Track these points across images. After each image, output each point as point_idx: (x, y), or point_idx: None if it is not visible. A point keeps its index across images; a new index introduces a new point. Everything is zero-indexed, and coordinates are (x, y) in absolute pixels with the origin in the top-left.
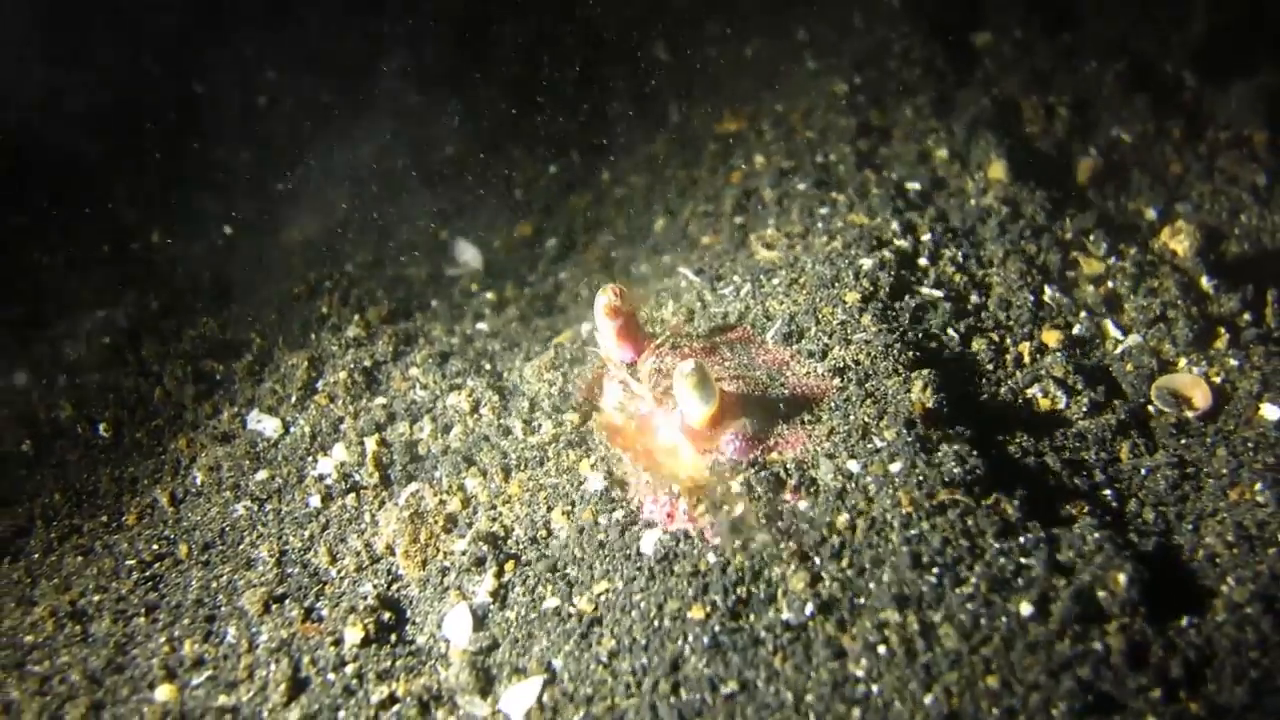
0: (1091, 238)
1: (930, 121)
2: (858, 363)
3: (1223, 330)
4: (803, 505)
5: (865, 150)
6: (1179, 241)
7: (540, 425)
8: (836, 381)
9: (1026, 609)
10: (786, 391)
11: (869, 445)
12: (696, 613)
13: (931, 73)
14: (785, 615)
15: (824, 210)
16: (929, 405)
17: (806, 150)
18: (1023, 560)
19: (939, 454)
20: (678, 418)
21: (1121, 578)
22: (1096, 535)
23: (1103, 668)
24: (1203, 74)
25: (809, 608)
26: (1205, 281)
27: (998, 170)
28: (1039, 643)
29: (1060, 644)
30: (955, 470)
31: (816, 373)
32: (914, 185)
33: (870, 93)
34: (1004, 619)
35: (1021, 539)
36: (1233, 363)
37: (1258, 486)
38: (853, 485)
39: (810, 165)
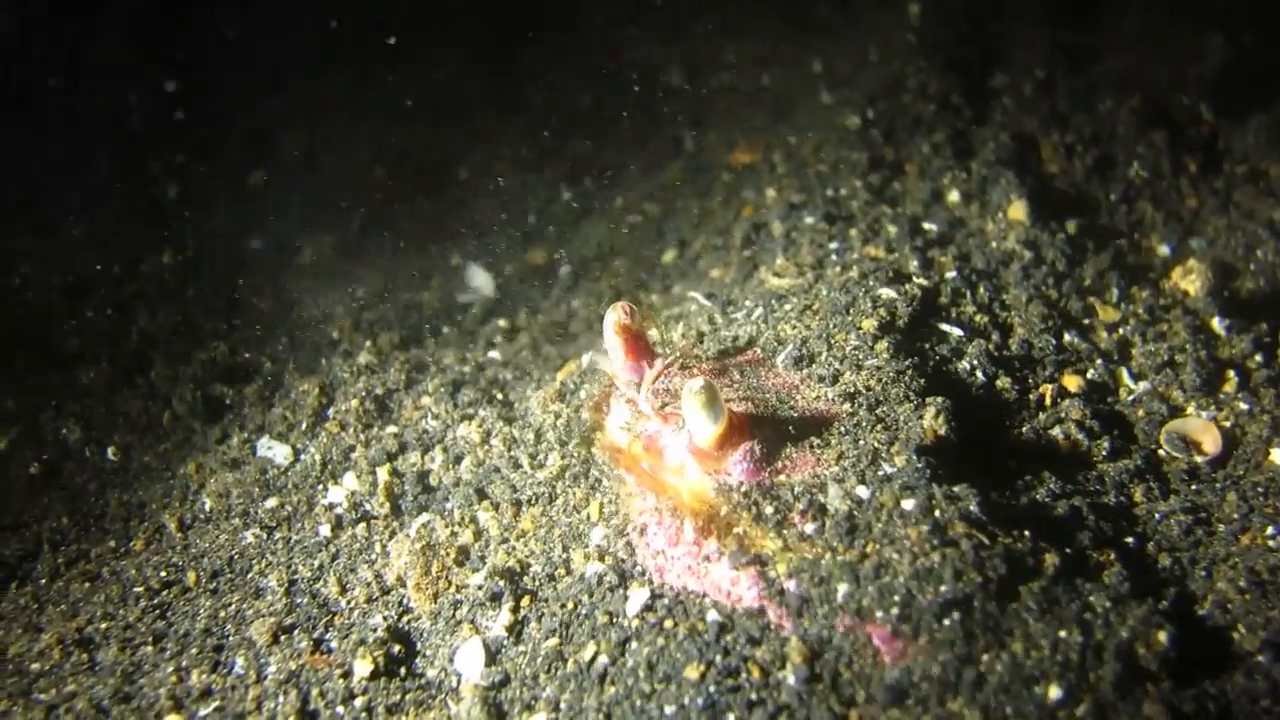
0: (1105, 280)
1: (948, 159)
2: (869, 388)
3: (1232, 374)
4: (809, 529)
5: (878, 185)
6: (1190, 282)
7: (548, 458)
8: (847, 406)
9: (1055, 693)
10: (796, 415)
11: (879, 471)
12: (692, 672)
13: (948, 108)
14: (787, 678)
15: (835, 245)
16: (941, 433)
17: (818, 184)
18: (1057, 612)
19: (955, 487)
20: (685, 438)
21: (1163, 636)
22: (1129, 586)
23: None
24: (1220, 108)
25: (808, 670)
26: (1216, 323)
27: (1018, 211)
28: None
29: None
30: (972, 507)
31: (827, 397)
32: (931, 225)
33: (884, 127)
34: (1031, 704)
35: (1056, 586)
36: (1243, 407)
37: (1269, 531)
38: (861, 511)
39: (821, 199)
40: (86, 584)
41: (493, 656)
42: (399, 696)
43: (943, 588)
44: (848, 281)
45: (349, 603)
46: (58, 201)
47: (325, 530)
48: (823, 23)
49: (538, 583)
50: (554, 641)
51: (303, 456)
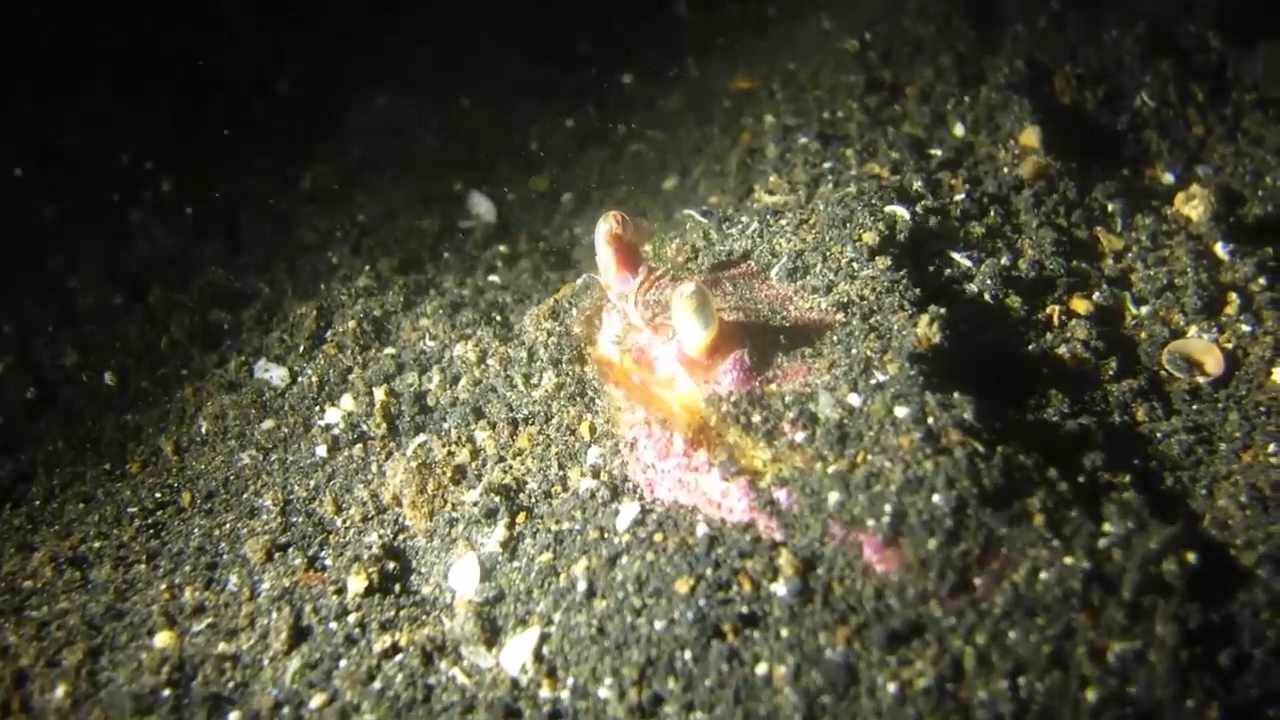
0: (1111, 207)
1: (951, 84)
2: (863, 298)
3: (1234, 296)
4: (799, 437)
5: (874, 107)
6: (1193, 207)
7: (542, 377)
8: (840, 316)
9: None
10: (788, 324)
11: (871, 379)
12: (682, 586)
13: (949, 30)
14: (779, 590)
15: (829, 165)
16: (935, 340)
17: (815, 108)
18: (1063, 528)
19: (951, 395)
20: (675, 348)
21: (1192, 557)
22: (1147, 506)
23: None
24: (1228, 36)
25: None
26: (1219, 248)
27: (1030, 137)
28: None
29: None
30: (967, 415)
31: (820, 307)
32: (935, 151)
33: (881, 49)
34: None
35: (1060, 501)
36: (1245, 329)
37: (1271, 448)
38: (852, 419)
39: (817, 121)
40: (81, 505)
41: (487, 572)
42: (393, 613)
43: (935, 497)
44: (845, 197)
45: (344, 522)
46: (58, 127)
47: (321, 451)
48: None
49: (533, 500)
50: (547, 557)
51: (300, 378)
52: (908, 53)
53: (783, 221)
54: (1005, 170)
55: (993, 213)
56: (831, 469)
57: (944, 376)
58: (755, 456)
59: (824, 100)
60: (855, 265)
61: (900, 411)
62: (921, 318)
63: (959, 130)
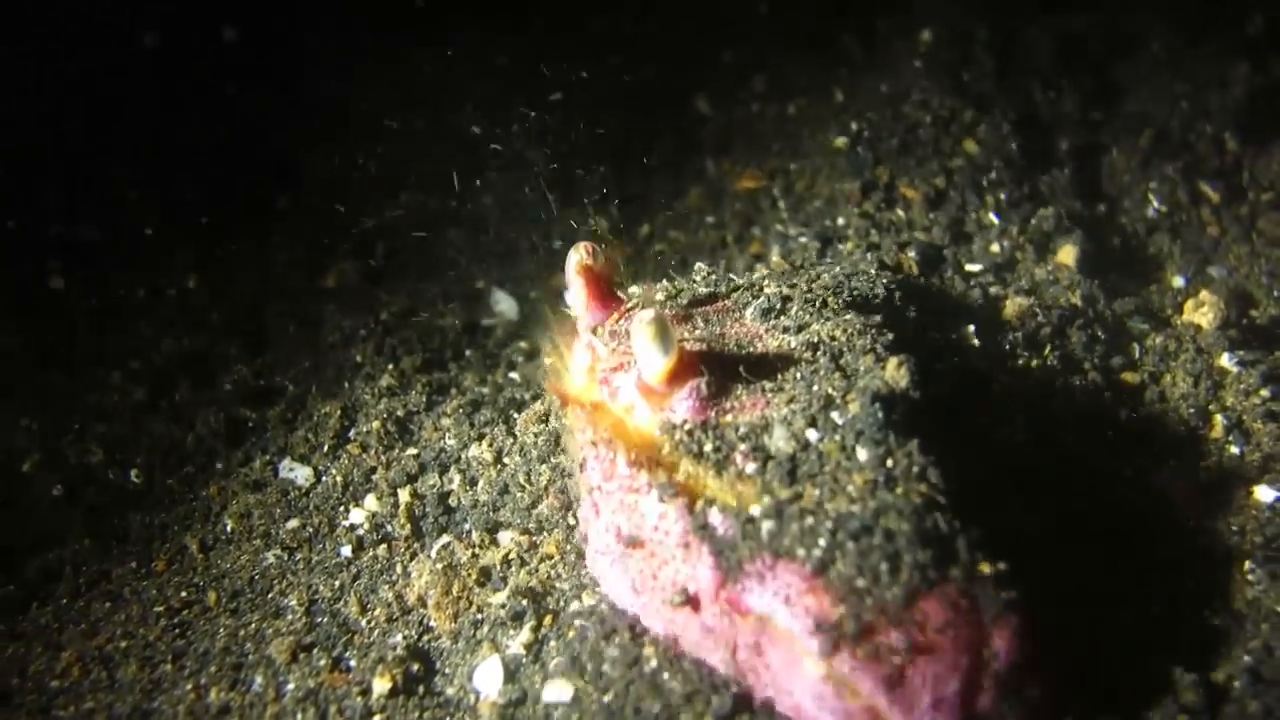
0: (1129, 325)
1: (964, 191)
2: (834, 339)
3: (1219, 419)
4: (750, 469)
5: (873, 211)
6: (1203, 314)
7: (540, 475)
8: (808, 355)
9: None
10: (753, 359)
11: (829, 416)
12: None
13: (957, 124)
14: None
15: (829, 259)
16: (902, 385)
17: (816, 218)
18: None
19: (911, 440)
20: (635, 375)
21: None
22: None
23: None
24: (1245, 135)
25: None
26: (1225, 359)
27: (1067, 255)
28: None
29: None
30: (927, 466)
31: (788, 345)
32: (977, 266)
33: (876, 146)
34: None
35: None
36: (1234, 450)
37: (1247, 565)
38: (805, 454)
39: (818, 226)
40: (107, 604)
41: (511, 674)
42: (417, 714)
43: (874, 539)
44: (855, 266)
45: (369, 622)
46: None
47: (346, 551)
48: (847, 54)
49: (562, 602)
50: (564, 660)
51: (324, 478)
52: (905, 148)
53: (778, 275)
54: (1057, 297)
55: (1048, 349)
56: (766, 500)
57: (906, 422)
58: (707, 485)
59: (823, 210)
60: (836, 313)
61: (858, 452)
62: (890, 360)
63: (996, 249)
